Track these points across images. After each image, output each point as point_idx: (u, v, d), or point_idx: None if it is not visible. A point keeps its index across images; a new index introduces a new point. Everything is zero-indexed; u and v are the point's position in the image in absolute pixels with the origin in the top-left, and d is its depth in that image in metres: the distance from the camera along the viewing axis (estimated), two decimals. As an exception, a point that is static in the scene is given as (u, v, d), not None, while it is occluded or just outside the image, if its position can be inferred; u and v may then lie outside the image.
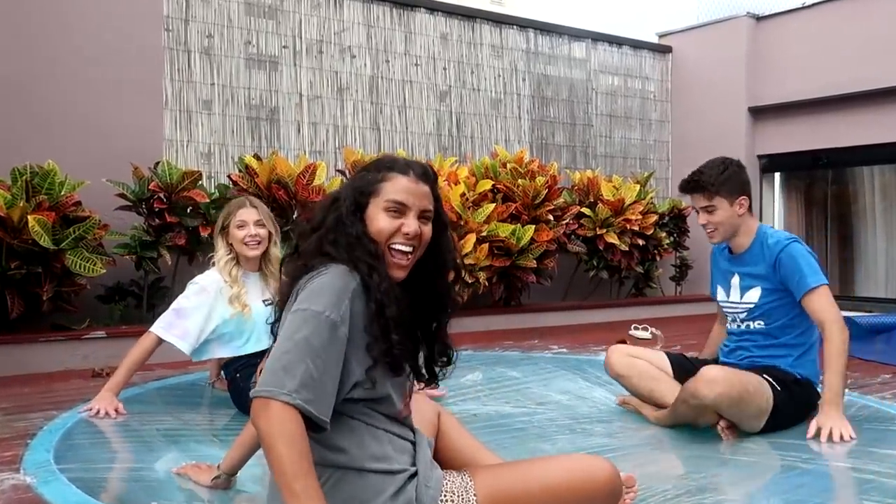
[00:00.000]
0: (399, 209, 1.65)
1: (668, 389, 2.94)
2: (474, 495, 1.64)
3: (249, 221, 3.06)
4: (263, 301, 3.11)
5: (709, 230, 2.93)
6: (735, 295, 2.99)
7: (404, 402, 1.69)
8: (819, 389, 2.90)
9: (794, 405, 2.84)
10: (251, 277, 3.15)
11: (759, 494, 2.39)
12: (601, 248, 6.27)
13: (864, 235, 7.41)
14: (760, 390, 2.73)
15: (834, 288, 7.47)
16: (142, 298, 4.74)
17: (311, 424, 1.47)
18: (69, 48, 4.84)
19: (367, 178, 1.68)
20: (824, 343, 2.78)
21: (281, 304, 1.66)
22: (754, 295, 2.92)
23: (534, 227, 5.68)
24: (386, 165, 1.70)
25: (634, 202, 6.44)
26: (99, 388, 3.59)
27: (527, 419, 3.08)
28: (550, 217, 5.94)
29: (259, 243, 3.07)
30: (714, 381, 2.63)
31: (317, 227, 1.67)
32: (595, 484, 1.70)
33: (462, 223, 5.39)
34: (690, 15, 8.28)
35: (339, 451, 1.57)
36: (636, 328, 5.50)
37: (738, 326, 3.01)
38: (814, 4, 7.11)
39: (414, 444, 1.70)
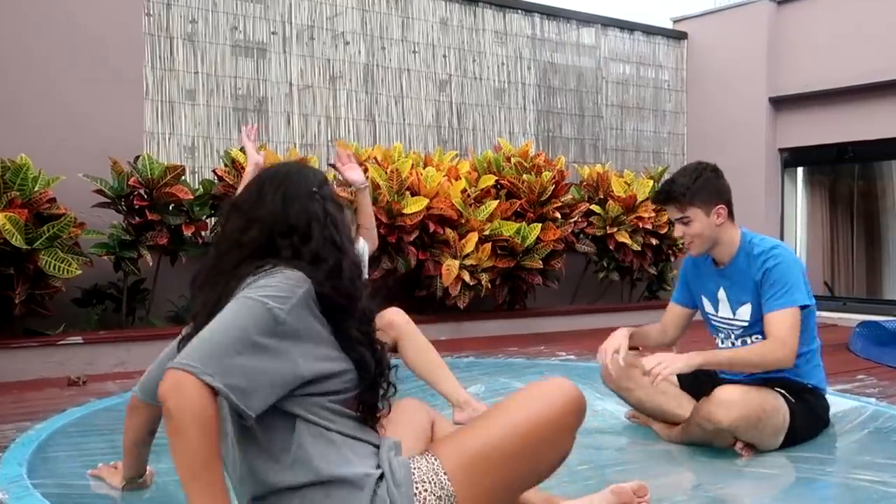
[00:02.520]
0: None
1: (678, 403, 2.93)
2: (445, 474, 1.66)
3: None
4: None
5: (686, 242, 2.87)
6: (725, 310, 2.94)
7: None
8: (827, 397, 2.92)
9: (810, 416, 2.84)
10: None
11: (779, 508, 2.40)
12: (612, 247, 6.28)
13: (892, 234, 7.42)
14: (777, 407, 2.72)
15: (860, 290, 7.54)
16: (121, 302, 4.74)
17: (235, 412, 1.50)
18: (43, 36, 4.85)
19: (331, 189, 1.81)
20: (763, 342, 2.76)
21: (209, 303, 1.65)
22: (747, 312, 2.86)
23: (540, 225, 5.69)
24: (318, 171, 1.86)
25: (647, 199, 6.44)
26: (75, 397, 3.60)
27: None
28: (557, 215, 5.94)
29: None
30: (731, 404, 2.61)
31: (272, 223, 1.70)
32: (557, 406, 1.75)
33: (463, 221, 5.40)
34: (707, -1, 8.29)
35: (301, 464, 1.58)
36: (649, 333, 5.53)
37: (734, 343, 2.95)
38: (839, -13, 7.12)
39: (378, 447, 1.72)
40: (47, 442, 2.83)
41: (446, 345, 5.08)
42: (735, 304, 2.89)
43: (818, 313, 7.11)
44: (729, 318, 2.94)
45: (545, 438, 1.73)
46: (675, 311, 3.16)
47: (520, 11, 7.05)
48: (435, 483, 1.65)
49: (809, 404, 2.83)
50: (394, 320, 3.15)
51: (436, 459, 1.69)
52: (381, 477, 1.65)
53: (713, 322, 3.04)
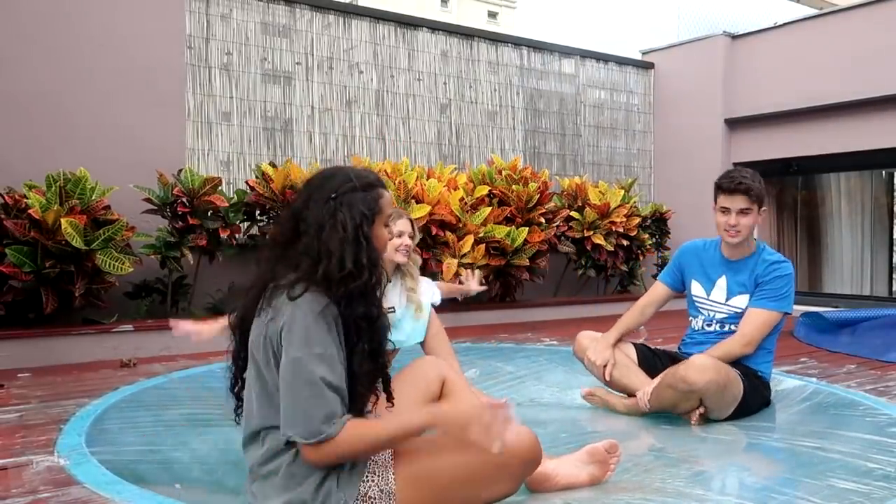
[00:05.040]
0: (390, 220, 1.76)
1: (634, 378, 2.92)
2: (393, 473, 1.64)
3: (406, 232, 3.00)
4: (390, 308, 3.02)
5: (735, 230, 2.87)
6: (719, 295, 2.94)
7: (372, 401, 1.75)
8: (774, 376, 2.95)
9: (757, 395, 2.86)
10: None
11: (733, 466, 2.40)
12: (589, 248, 6.27)
13: (830, 236, 7.42)
14: (737, 380, 2.75)
15: (803, 285, 7.55)
16: (166, 295, 4.74)
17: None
18: (100, 64, 4.84)
19: (368, 198, 1.68)
20: (726, 340, 2.83)
21: (251, 306, 1.69)
22: (741, 301, 2.89)
23: (527, 229, 5.68)
24: (373, 183, 1.70)
25: (619, 206, 6.44)
26: (126, 377, 3.60)
27: (522, 412, 3.05)
28: (542, 220, 5.94)
29: (407, 253, 3.01)
30: (704, 368, 2.63)
31: (308, 245, 1.64)
32: (509, 454, 1.67)
33: (461, 225, 5.40)
34: (671, 34, 8.28)
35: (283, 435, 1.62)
36: (621, 322, 5.52)
37: (711, 327, 2.96)
38: (784, 24, 7.11)
39: None
40: (102, 416, 2.83)
41: (446, 332, 5.07)
42: (732, 293, 2.92)
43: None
44: (719, 303, 2.95)
45: (489, 478, 1.68)
46: (660, 290, 3.16)
47: (510, 45, 7.04)
48: (382, 477, 1.63)
49: (757, 387, 2.86)
50: None
51: (392, 458, 1.66)
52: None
53: (698, 304, 3.03)
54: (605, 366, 2.95)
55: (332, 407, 1.53)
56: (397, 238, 3.00)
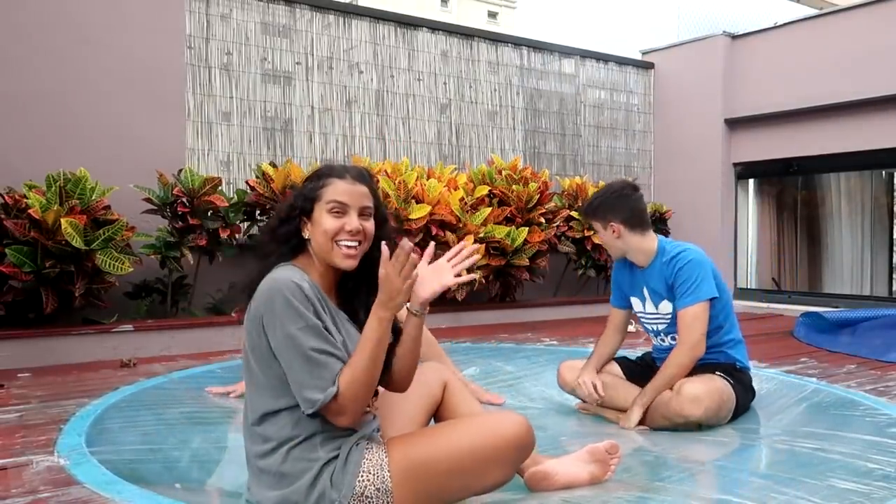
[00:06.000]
0: (341, 209, 1.69)
1: (626, 394, 2.88)
2: (388, 471, 1.64)
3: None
4: None
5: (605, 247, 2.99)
6: (650, 306, 2.91)
7: None
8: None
9: (744, 390, 2.84)
10: None
11: (733, 466, 2.40)
12: (589, 248, 6.27)
13: (830, 236, 7.42)
14: (728, 391, 2.71)
15: (803, 284, 7.55)
16: (166, 295, 4.74)
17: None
18: (100, 65, 4.85)
19: (308, 187, 1.73)
20: (672, 353, 2.75)
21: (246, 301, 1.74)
22: (668, 307, 2.84)
23: (527, 229, 5.68)
24: (324, 173, 1.74)
25: (619, 206, 6.43)
26: (126, 377, 3.60)
27: (521, 411, 3.05)
28: (542, 220, 5.93)
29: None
30: (698, 399, 2.60)
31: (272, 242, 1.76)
32: (502, 440, 1.68)
33: (461, 225, 5.40)
34: (671, 34, 8.28)
35: (281, 427, 1.65)
36: (621, 322, 5.51)
37: (663, 341, 2.92)
38: (784, 24, 7.10)
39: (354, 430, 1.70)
40: (102, 416, 2.83)
41: (446, 332, 5.08)
42: (656, 300, 2.87)
43: (767, 305, 7.09)
44: (654, 313, 2.91)
45: (483, 465, 1.68)
46: (617, 315, 3.10)
47: (510, 45, 7.04)
48: (377, 476, 1.64)
49: (742, 381, 2.83)
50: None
51: (386, 455, 1.66)
52: (332, 459, 1.64)
53: (642, 319, 3.01)
54: (595, 387, 2.89)
55: (329, 369, 1.58)
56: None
